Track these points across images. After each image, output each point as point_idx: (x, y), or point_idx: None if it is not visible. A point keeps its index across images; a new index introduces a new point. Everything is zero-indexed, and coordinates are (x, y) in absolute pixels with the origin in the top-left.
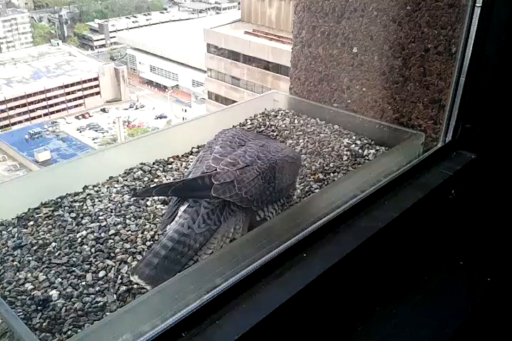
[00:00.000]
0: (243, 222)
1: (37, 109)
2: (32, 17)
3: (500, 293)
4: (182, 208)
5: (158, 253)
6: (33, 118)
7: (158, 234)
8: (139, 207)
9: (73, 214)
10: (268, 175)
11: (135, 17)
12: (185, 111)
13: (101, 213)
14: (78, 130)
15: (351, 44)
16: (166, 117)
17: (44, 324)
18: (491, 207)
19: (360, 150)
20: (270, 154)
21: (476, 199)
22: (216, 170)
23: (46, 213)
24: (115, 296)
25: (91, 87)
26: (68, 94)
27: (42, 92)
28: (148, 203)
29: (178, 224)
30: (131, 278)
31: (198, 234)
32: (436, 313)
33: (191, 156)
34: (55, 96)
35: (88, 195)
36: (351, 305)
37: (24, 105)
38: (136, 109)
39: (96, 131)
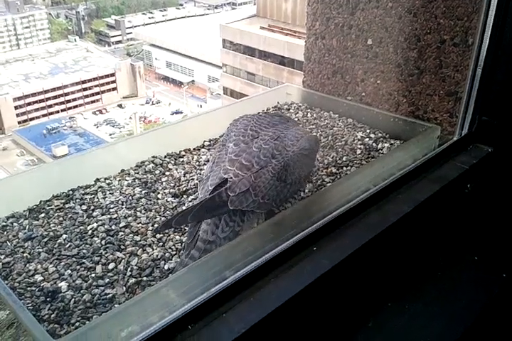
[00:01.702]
0: (264, 216)
1: (54, 104)
2: (49, 13)
3: None
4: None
5: (187, 265)
6: (51, 113)
7: None
8: (150, 200)
9: (84, 207)
10: (284, 173)
11: (151, 13)
12: (201, 106)
13: (112, 206)
14: (95, 125)
15: (366, 36)
16: (181, 113)
17: (52, 315)
18: (507, 202)
19: (374, 144)
20: (285, 150)
21: (493, 194)
22: (232, 177)
23: (58, 205)
24: (124, 288)
25: (108, 83)
26: (85, 89)
27: (59, 88)
28: (159, 196)
29: (202, 232)
30: None
31: (222, 239)
32: (449, 309)
33: (203, 150)
34: (73, 92)
35: (99, 187)
36: (362, 300)
37: (42, 101)
38: (153, 104)
39: (113, 126)
